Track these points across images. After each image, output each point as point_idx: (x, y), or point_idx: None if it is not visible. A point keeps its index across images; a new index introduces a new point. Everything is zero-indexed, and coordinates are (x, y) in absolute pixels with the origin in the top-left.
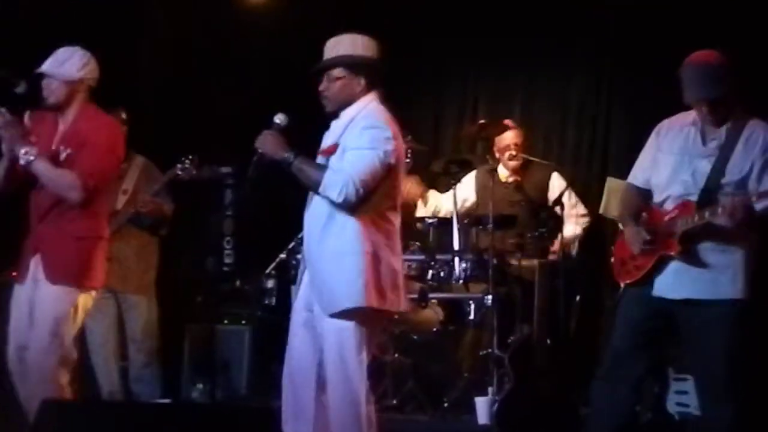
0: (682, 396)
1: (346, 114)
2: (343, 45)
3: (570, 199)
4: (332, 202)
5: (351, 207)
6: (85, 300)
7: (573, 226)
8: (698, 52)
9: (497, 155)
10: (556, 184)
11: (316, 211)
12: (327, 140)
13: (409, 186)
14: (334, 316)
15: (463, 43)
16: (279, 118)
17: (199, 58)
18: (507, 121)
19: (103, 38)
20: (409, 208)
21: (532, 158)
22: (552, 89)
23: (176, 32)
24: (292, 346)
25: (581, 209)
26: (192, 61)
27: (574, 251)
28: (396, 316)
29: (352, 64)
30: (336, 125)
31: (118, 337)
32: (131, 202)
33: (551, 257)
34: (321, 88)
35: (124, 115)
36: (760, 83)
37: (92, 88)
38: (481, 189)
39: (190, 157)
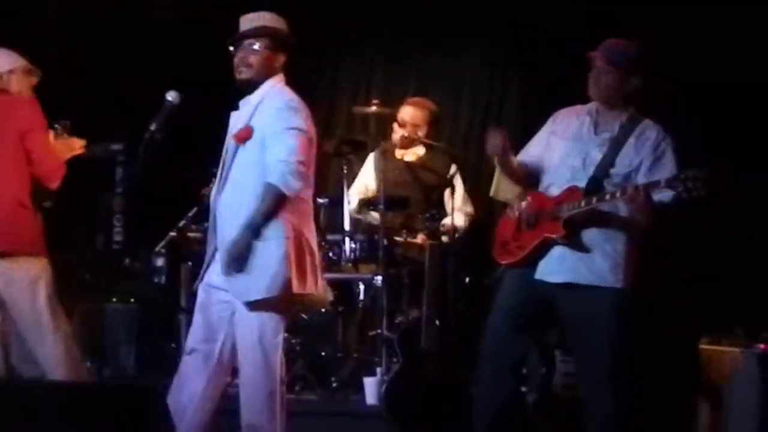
0: (569, 377)
1: (255, 95)
2: (266, 19)
3: (462, 192)
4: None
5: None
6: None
7: (462, 216)
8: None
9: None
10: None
11: (234, 197)
12: (237, 123)
13: None
14: (252, 303)
15: (357, 23)
16: (171, 96)
17: (89, 34)
18: (415, 100)
19: None
20: None
21: (436, 144)
22: (446, 72)
23: (70, 7)
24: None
25: (469, 208)
26: (82, 37)
27: (456, 237)
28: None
29: (277, 39)
30: (244, 106)
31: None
32: None
33: (442, 237)
34: (240, 56)
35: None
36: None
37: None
38: (375, 170)
39: (63, 122)
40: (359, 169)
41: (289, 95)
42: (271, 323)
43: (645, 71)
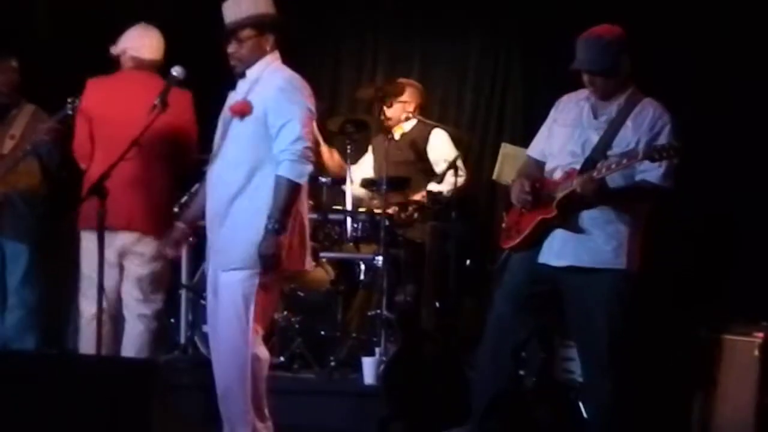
0: (568, 362)
1: (252, 72)
2: (245, 4)
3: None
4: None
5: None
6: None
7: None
8: (598, 26)
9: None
10: (435, 141)
11: (226, 170)
12: (233, 101)
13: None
14: (233, 269)
15: (361, 6)
16: (176, 71)
17: (92, 7)
18: (401, 80)
19: None
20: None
21: (427, 121)
22: (450, 54)
23: None
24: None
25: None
26: (85, 10)
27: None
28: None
29: (260, 24)
30: (241, 84)
31: None
32: (18, 147)
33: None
34: (230, 50)
35: (15, 64)
36: (658, 60)
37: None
38: (376, 151)
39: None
40: (363, 148)
41: (289, 73)
42: (245, 291)
43: (627, 48)
